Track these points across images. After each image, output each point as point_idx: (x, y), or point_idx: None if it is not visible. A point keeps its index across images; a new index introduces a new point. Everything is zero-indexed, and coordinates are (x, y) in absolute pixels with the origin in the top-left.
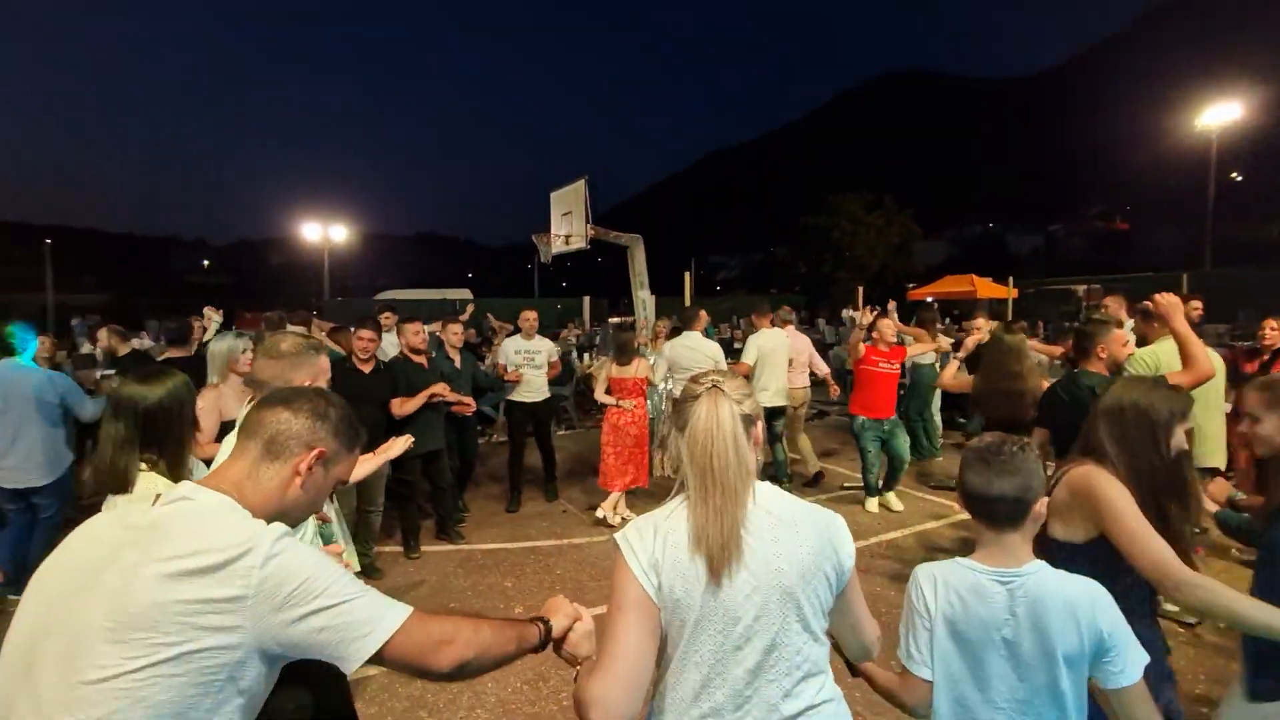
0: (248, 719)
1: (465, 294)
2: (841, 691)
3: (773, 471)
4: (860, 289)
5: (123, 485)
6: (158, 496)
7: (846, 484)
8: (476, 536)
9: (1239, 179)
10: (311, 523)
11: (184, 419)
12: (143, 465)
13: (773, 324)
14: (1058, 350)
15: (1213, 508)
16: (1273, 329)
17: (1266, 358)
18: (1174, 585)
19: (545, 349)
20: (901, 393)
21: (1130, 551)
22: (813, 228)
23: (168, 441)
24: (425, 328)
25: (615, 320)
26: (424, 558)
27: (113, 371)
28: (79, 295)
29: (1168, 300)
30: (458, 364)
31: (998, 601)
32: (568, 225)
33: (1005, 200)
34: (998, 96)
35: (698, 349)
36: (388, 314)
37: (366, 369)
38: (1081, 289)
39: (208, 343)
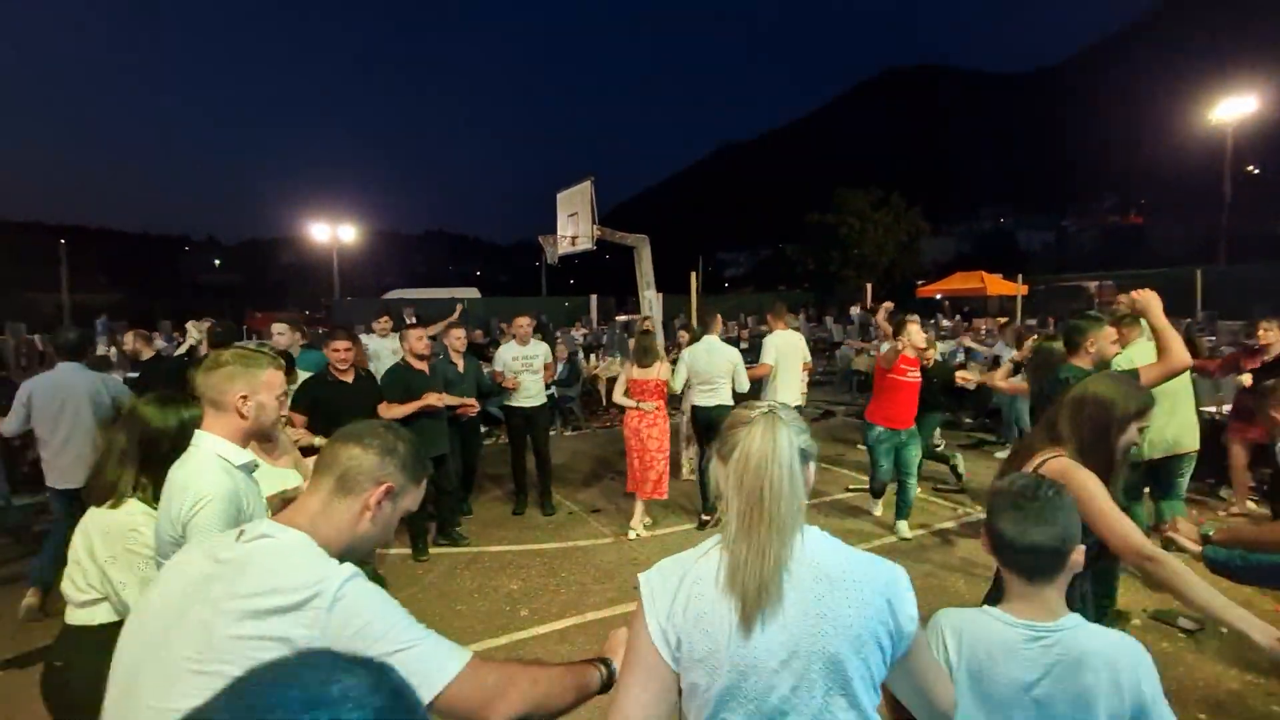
0: None
1: (473, 293)
2: None
3: None
4: (869, 286)
5: (107, 497)
6: (241, 532)
7: (851, 485)
8: (482, 538)
9: (1256, 172)
10: None
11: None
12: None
13: (786, 325)
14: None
15: (1194, 548)
16: (1265, 330)
17: (1269, 359)
18: (1137, 557)
19: (541, 353)
20: None
21: (1100, 527)
22: (819, 225)
23: (163, 469)
24: (426, 334)
25: (622, 319)
26: (431, 560)
27: (136, 375)
28: (94, 294)
29: (1145, 295)
30: (461, 368)
31: (1030, 658)
32: (574, 226)
33: (1016, 195)
34: (1009, 90)
35: (716, 352)
36: (384, 319)
37: (348, 379)
38: (1093, 285)
39: (181, 355)
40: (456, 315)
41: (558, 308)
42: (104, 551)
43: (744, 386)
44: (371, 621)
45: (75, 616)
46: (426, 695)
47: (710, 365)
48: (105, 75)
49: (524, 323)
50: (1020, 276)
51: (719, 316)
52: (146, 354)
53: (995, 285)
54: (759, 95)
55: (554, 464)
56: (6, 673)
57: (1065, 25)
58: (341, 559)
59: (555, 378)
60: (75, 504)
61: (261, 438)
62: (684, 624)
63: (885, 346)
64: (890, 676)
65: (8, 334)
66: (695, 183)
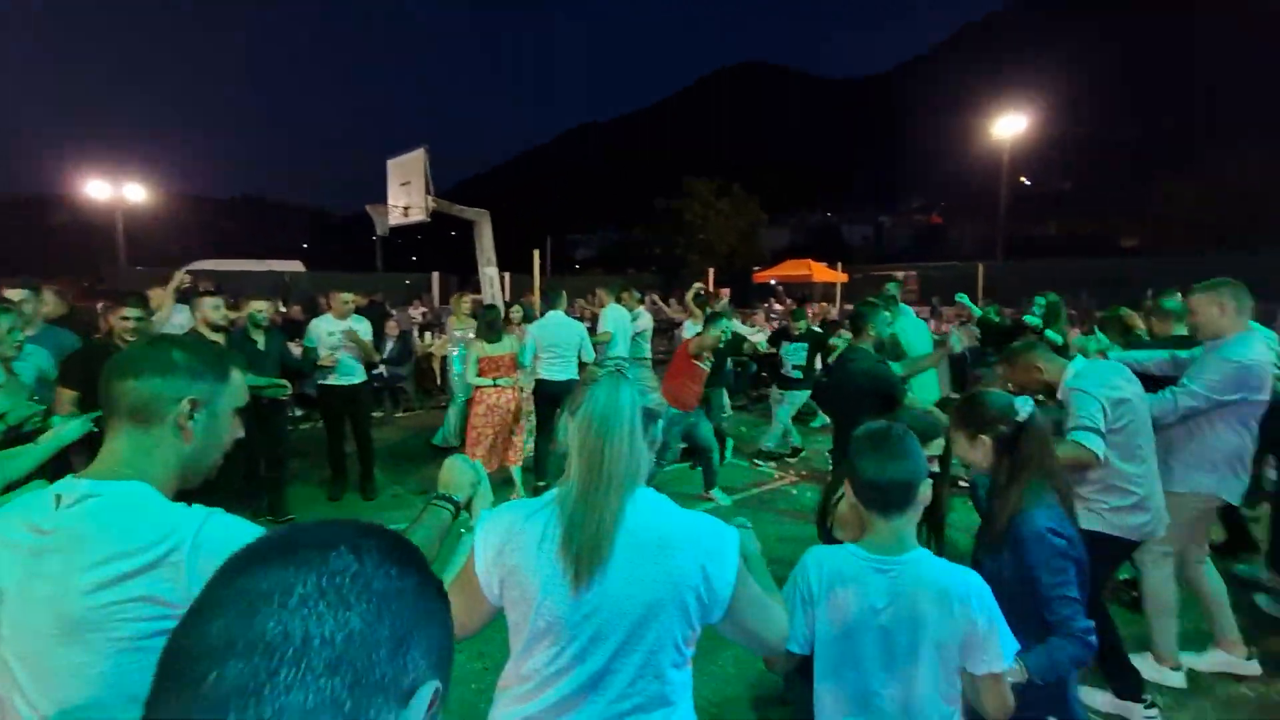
0: None
1: (296, 266)
2: None
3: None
4: (711, 271)
5: None
6: (59, 496)
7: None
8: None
9: (1028, 184)
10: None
11: None
12: None
13: (620, 301)
14: None
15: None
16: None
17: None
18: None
19: (361, 328)
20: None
21: None
22: (666, 210)
23: None
24: (223, 303)
25: (468, 298)
26: None
27: None
28: None
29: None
30: (260, 345)
31: (877, 587)
32: (406, 196)
33: (842, 192)
34: (838, 95)
35: (564, 325)
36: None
37: None
38: (901, 275)
39: None
40: (184, 283)
41: (398, 285)
42: None
43: (590, 356)
44: (240, 542)
45: None
46: None
47: (558, 336)
48: None
49: (345, 297)
50: (840, 265)
51: (564, 293)
52: None
53: (821, 273)
54: (612, 82)
55: (386, 445)
56: None
57: (887, 42)
58: (182, 487)
59: (384, 356)
60: None
61: None
62: (505, 574)
63: (691, 327)
64: (719, 626)
65: None
66: (546, 163)
